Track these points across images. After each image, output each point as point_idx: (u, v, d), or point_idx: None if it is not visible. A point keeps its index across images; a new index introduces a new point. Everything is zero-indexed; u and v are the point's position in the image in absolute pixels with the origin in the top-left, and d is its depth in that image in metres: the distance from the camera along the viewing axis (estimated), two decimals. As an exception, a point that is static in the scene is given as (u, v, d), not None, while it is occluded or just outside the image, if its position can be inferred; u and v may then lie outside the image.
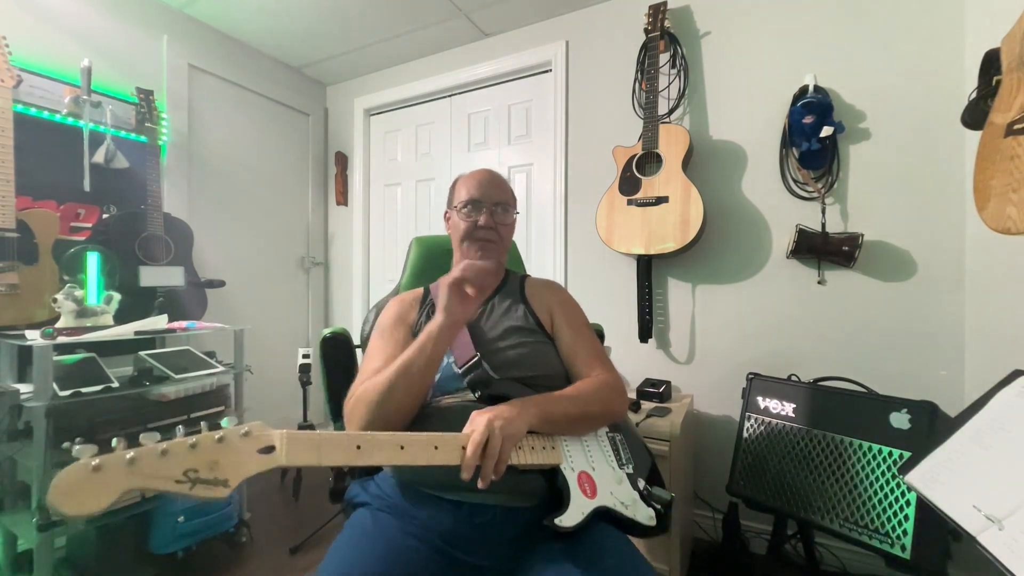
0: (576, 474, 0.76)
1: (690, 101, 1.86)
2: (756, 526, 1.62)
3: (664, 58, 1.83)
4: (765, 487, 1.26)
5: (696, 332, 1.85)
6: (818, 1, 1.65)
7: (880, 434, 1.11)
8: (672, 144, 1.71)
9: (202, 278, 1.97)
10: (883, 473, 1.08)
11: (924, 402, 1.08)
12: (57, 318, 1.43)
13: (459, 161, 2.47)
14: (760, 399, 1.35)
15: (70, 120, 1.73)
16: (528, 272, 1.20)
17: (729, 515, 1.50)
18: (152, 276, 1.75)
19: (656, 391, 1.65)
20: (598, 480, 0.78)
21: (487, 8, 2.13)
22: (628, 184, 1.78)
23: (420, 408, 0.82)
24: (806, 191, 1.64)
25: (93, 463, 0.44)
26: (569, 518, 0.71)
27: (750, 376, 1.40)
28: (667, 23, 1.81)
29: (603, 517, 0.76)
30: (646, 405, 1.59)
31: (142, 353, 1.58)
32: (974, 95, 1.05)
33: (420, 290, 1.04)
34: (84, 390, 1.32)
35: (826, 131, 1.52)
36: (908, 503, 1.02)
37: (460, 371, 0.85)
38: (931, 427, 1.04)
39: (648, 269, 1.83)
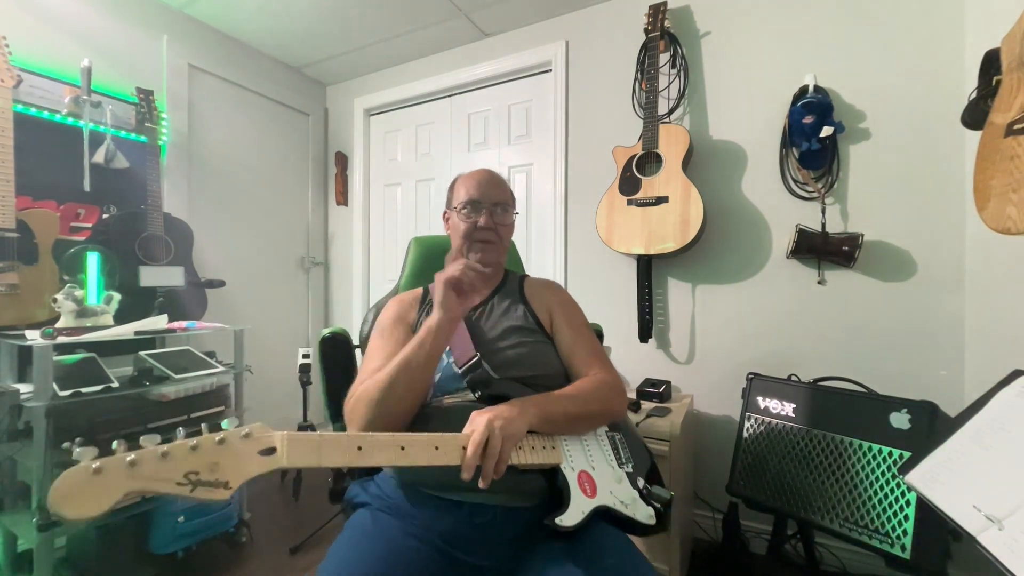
0: (576, 473, 0.76)
1: (690, 101, 1.86)
2: (756, 526, 1.62)
3: (664, 58, 1.83)
4: (765, 487, 1.26)
5: (696, 332, 1.85)
6: (818, 1, 1.65)
7: (880, 434, 1.11)
8: (672, 144, 1.71)
9: (202, 278, 1.97)
10: (883, 473, 1.08)
11: (924, 402, 1.08)
12: (57, 318, 1.43)
13: (459, 161, 2.47)
14: (760, 399, 1.35)
15: (70, 120, 1.73)
16: (528, 272, 1.20)
17: (729, 515, 1.50)
18: (152, 276, 1.75)
19: (656, 391, 1.65)
20: (598, 479, 0.78)
21: (487, 8, 2.13)
22: (628, 184, 1.78)
23: (420, 408, 0.82)
24: (806, 191, 1.64)
25: (94, 466, 0.44)
26: (569, 517, 0.71)
27: (750, 376, 1.40)
28: (667, 23, 1.81)
29: (603, 516, 0.76)
30: (646, 405, 1.59)
31: (142, 353, 1.58)
32: (974, 95, 1.05)
33: (419, 290, 1.04)
34: (84, 390, 1.32)
35: (826, 131, 1.52)
36: (908, 503, 1.02)
37: (460, 371, 0.85)
38: (931, 427, 1.04)
39: (648, 269, 1.83)
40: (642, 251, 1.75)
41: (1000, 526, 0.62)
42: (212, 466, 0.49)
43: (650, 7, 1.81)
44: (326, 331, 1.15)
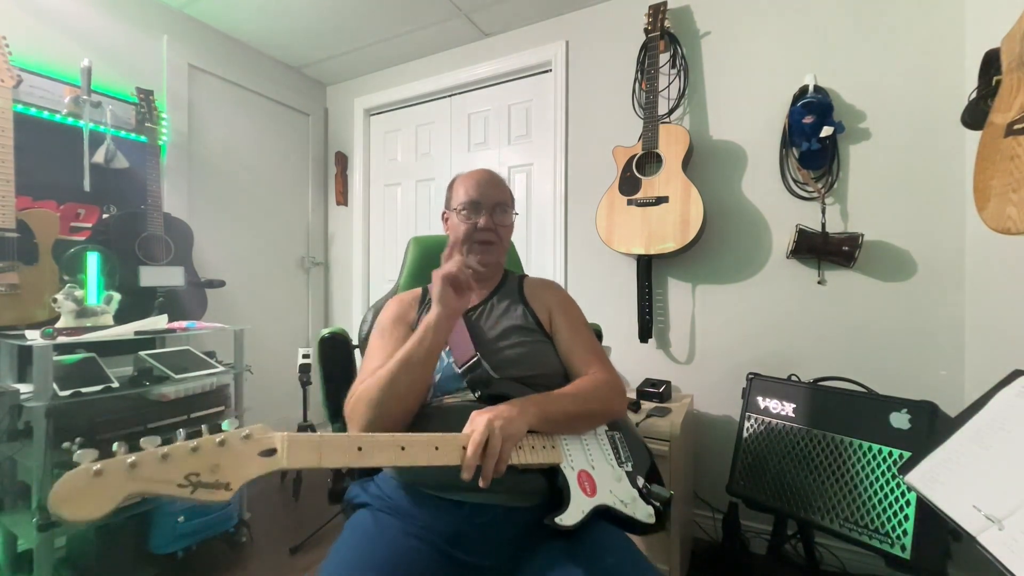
0: (576, 473, 0.76)
1: (690, 101, 1.86)
2: (756, 526, 1.62)
3: (664, 58, 1.83)
4: (765, 487, 1.26)
5: (696, 332, 1.85)
6: (818, 1, 1.65)
7: (880, 434, 1.11)
8: (672, 144, 1.71)
9: (202, 278, 1.97)
10: (883, 473, 1.08)
11: (924, 402, 1.08)
12: (57, 318, 1.43)
13: (459, 161, 2.47)
14: (760, 399, 1.35)
15: (70, 120, 1.73)
16: (528, 272, 1.20)
17: (729, 515, 1.50)
18: (152, 276, 1.75)
19: (656, 391, 1.65)
20: (597, 478, 0.78)
21: (487, 8, 2.13)
22: (628, 184, 1.78)
23: (421, 408, 0.82)
24: (806, 191, 1.64)
25: (94, 468, 0.44)
26: (569, 517, 0.71)
27: (750, 376, 1.40)
28: (667, 23, 1.81)
29: (603, 515, 0.76)
30: (646, 405, 1.59)
31: (142, 353, 1.58)
32: (974, 95, 1.05)
33: (418, 290, 1.04)
34: (84, 390, 1.32)
35: (826, 131, 1.52)
36: (908, 503, 1.02)
37: (460, 371, 0.85)
38: (931, 427, 1.04)
39: (648, 269, 1.83)
40: (642, 251, 1.75)
41: (1000, 526, 0.62)
42: (213, 467, 0.49)
43: (650, 7, 1.81)
44: (325, 331, 1.15)
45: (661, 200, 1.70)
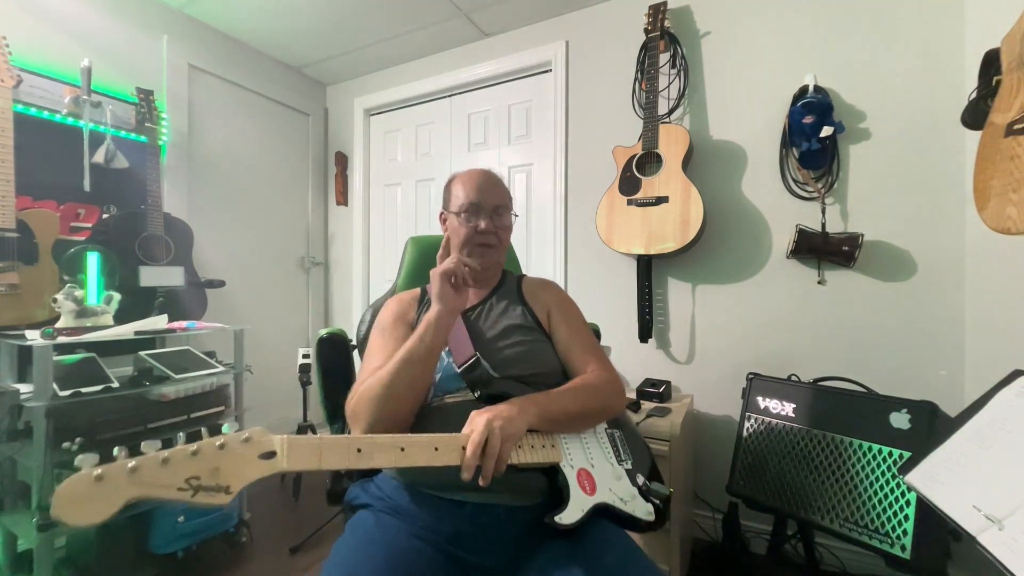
0: (575, 471, 0.76)
1: (690, 101, 1.86)
2: (756, 526, 1.62)
3: (664, 58, 1.83)
4: (765, 487, 1.26)
5: (696, 332, 1.85)
6: (818, 1, 1.65)
7: (880, 434, 1.10)
8: (672, 144, 1.71)
9: (202, 278, 1.97)
10: (883, 473, 1.07)
11: (924, 402, 1.08)
12: (57, 318, 1.43)
13: (459, 161, 2.47)
14: (760, 399, 1.35)
15: (70, 120, 1.73)
16: (528, 272, 1.20)
17: (729, 515, 1.50)
18: (152, 276, 1.75)
19: (656, 391, 1.65)
20: (597, 477, 0.78)
21: (487, 8, 2.13)
22: (628, 184, 1.78)
23: (421, 407, 0.82)
24: (806, 191, 1.64)
25: (95, 473, 0.44)
26: (568, 515, 0.71)
27: (750, 376, 1.40)
28: (667, 23, 1.81)
29: (603, 513, 0.76)
30: (646, 405, 1.59)
31: (142, 353, 1.58)
32: (974, 95, 1.05)
33: (417, 290, 1.04)
34: (84, 390, 1.32)
35: (826, 131, 1.52)
36: (908, 503, 1.02)
37: (459, 371, 0.85)
38: (931, 427, 1.04)
39: (648, 269, 1.83)
40: (642, 251, 1.75)
41: (1000, 526, 0.62)
42: (213, 471, 0.50)
43: (650, 7, 1.81)
44: (324, 331, 1.15)
45: (661, 200, 1.70)
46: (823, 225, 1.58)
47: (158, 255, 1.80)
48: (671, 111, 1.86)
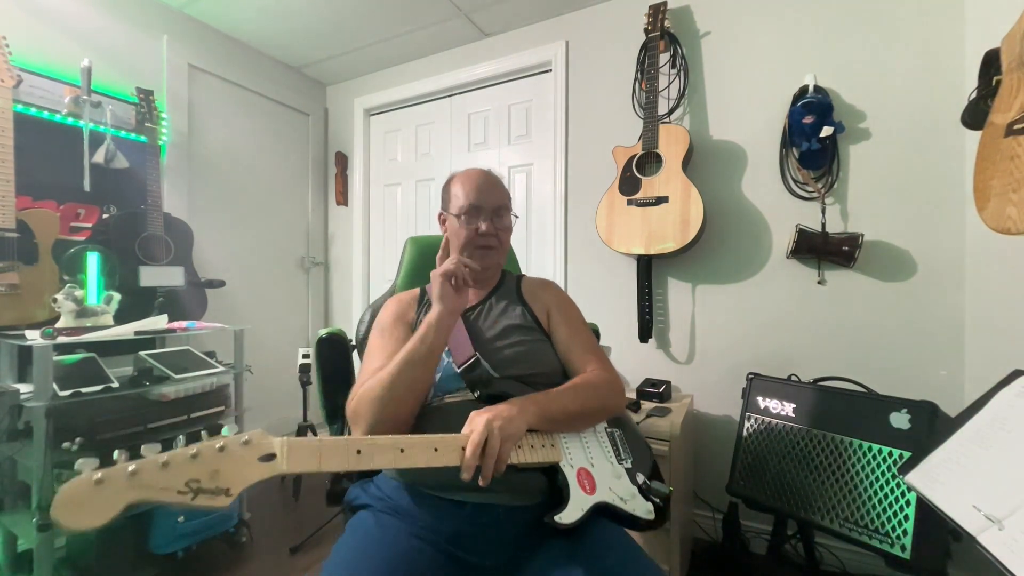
0: (575, 471, 0.76)
1: (690, 101, 1.86)
2: (756, 526, 1.62)
3: (664, 58, 1.83)
4: (765, 487, 1.26)
5: (696, 332, 1.85)
6: (818, 1, 1.65)
7: (880, 434, 1.10)
8: (672, 144, 1.71)
9: (202, 278, 1.97)
10: (883, 473, 1.07)
11: (924, 402, 1.08)
12: (57, 318, 1.43)
13: (459, 161, 2.47)
14: (760, 399, 1.35)
15: (70, 120, 1.73)
16: (528, 272, 1.20)
17: (729, 515, 1.50)
18: (152, 276, 1.75)
19: (656, 391, 1.65)
20: (597, 476, 0.78)
21: (487, 8, 2.13)
22: (628, 184, 1.78)
23: (421, 407, 0.82)
24: (806, 191, 1.64)
25: (95, 477, 0.44)
26: (568, 515, 0.71)
27: (750, 376, 1.40)
28: (667, 23, 1.81)
29: (603, 513, 0.76)
30: (646, 405, 1.59)
31: (142, 353, 1.58)
32: (974, 95, 1.05)
33: (416, 290, 1.04)
34: (84, 390, 1.32)
35: (826, 131, 1.52)
36: (908, 503, 1.02)
37: (459, 371, 0.85)
38: (931, 427, 1.04)
39: (648, 269, 1.83)
40: (642, 251, 1.75)
41: (1000, 526, 0.62)
42: (213, 474, 0.50)
43: (650, 7, 1.81)
44: (323, 331, 1.15)
45: (661, 200, 1.70)
46: (823, 225, 1.58)
47: (158, 255, 1.80)
48: (671, 111, 1.86)
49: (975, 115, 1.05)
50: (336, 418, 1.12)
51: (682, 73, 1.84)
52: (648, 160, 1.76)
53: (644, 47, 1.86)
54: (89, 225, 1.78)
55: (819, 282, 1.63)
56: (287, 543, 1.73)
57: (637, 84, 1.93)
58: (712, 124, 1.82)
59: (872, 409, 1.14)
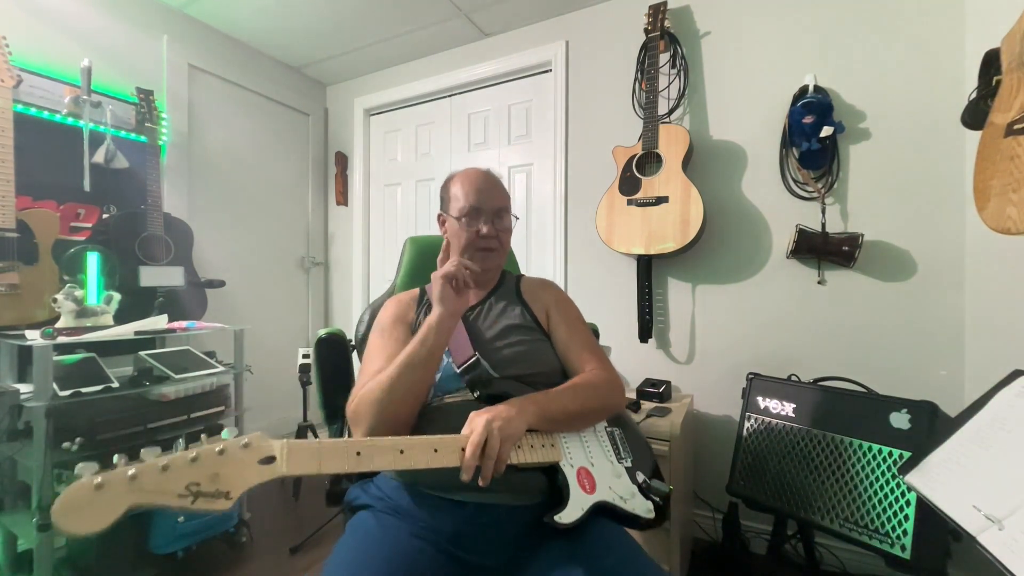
0: (575, 470, 0.76)
1: (690, 101, 1.86)
2: (756, 526, 1.62)
3: (664, 58, 1.83)
4: (765, 487, 1.26)
5: (696, 332, 1.85)
6: (818, 1, 1.65)
7: (880, 434, 1.10)
8: (672, 144, 1.71)
9: (202, 278, 1.97)
10: (883, 473, 1.07)
11: (924, 402, 1.08)
12: (57, 318, 1.43)
13: (459, 161, 2.47)
14: (760, 399, 1.35)
15: (70, 120, 1.73)
16: (528, 273, 1.20)
17: (729, 515, 1.50)
18: (152, 276, 1.75)
19: (656, 391, 1.65)
20: (597, 475, 0.78)
21: (487, 8, 2.13)
22: (628, 184, 1.78)
23: (421, 407, 0.82)
24: (806, 191, 1.64)
25: (95, 481, 0.44)
26: (568, 515, 0.71)
27: (750, 376, 1.40)
28: (667, 23, 1.81)
29: (603, 512, 0.76)
30: (646, 405, 1.59)
31: (142, 353, 1.58)
32: (974, 95, 1.05)
33: (416, 291, 1.04)
34: (84, 390, 1.32)
35: (826, 131, 1.52)
36: (908, 503, 1.02)
37: (458, 371, 0.85)
38: (931, 427, 1.04)
39: (648, 269, 1.83)
40: (642, 251, 1.75)
41: (1000, 526, 0.62)
42: (212, 477, 0.50)
43: (650, 7, 1.81)
44: (322, 332, 1.14)
45: (661, 200, 1.70)
46: (823, 225, 1.58)
47: (158, 255, 1.80)
48: (671, 111, 1.86)
49: (975, 115, 1.05)
50: (336, 418, 1.12)
51: (682, 73, 1.84)
52: (648, 160, 1.76)
53: (644, 47, 1.86)
54: (89, 225, 1.78)
55: (819, 282, 1.63)
56: (287, 543, 1.73)
57: (637, 84, 1.93)
58: (712, 124, 1.82)
59: (872, 409, 1.14)
